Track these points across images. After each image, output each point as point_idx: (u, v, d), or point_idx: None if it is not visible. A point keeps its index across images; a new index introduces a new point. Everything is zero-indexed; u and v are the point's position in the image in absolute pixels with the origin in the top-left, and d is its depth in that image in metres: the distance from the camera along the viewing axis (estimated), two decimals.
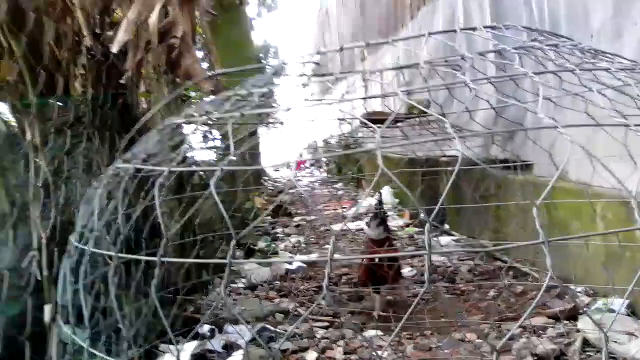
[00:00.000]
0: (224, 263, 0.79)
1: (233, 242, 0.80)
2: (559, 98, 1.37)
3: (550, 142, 2.11)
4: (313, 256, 3.70)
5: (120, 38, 1.76)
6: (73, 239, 1.07)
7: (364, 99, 1.28)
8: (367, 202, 5.55)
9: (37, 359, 1.15)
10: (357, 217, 5.32)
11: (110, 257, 1.03)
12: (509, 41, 1.24)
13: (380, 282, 2.76)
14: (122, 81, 1.95)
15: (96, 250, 1.01)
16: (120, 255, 0.95)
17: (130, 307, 1.39)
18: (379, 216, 2.85)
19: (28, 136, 1.79)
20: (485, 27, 1.25)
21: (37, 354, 1.18)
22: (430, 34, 1.19)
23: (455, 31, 1.29)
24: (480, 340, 2.32)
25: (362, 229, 4.88)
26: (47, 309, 1.12)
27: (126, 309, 1.55)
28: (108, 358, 1.02)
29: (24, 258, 1.60)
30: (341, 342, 2.32)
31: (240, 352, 2.07)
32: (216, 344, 2.18)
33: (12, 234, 1.69)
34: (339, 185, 7.83)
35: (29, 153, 1.82)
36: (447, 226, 4.38)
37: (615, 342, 2.19)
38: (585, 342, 2.22)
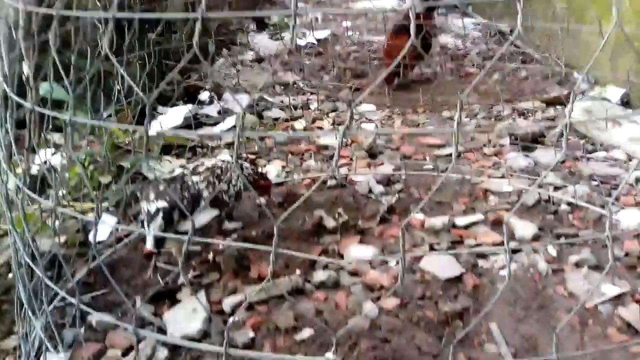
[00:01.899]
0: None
1: None
2: None
3: None
4: (324, 32, 3.68)
5: None
6: None
7: None
8: None
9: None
10: None
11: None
12: None
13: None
14: None
15: None
16: None
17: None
18: None
19: None
20: None
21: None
22: None
23: None
24: (468, 119, 2.40)
25: (383, 9, 4.73)
26: (25, 67, 1.25)
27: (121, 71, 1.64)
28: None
29: None
30: (332, 114, 2.42)
31: (234, 117, 2.19)
32: (212, 109, 2.30)
33: None
34: None
35: None
36: (470, 8, 4.23)
37: (598, 128, 2.25)
38: (571, 128, 2.27)
